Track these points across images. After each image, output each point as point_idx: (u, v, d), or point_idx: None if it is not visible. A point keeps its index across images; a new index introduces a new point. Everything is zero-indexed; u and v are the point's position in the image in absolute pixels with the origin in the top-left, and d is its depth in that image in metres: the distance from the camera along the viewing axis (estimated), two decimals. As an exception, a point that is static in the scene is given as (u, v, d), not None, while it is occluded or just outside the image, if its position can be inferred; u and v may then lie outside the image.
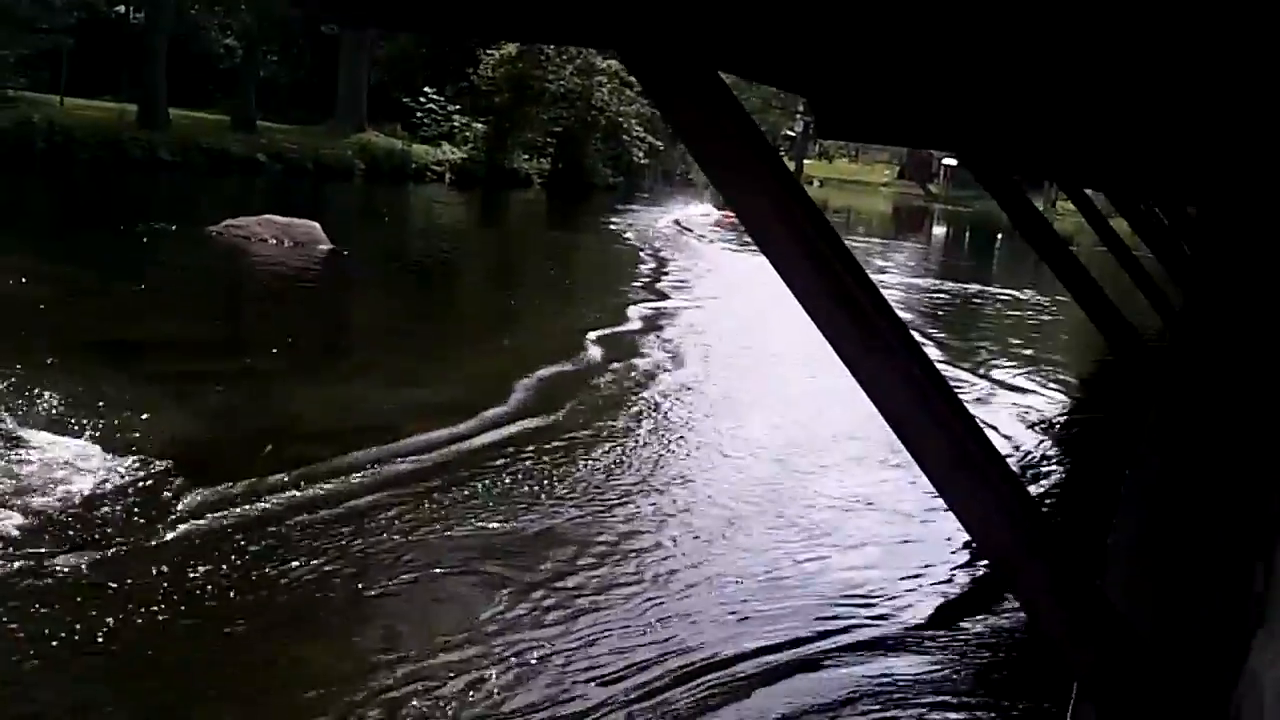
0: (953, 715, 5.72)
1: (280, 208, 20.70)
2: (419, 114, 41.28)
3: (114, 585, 5.95)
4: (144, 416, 8.62)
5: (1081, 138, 5.57)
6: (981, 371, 15.12)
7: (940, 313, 21.31)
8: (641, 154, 46.93)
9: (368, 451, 8.49)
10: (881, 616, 6.74)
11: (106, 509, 6.90)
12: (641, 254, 25.78)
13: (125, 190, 26.88)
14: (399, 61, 44.69)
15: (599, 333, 14.66)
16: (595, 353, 13.31)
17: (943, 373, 2.35)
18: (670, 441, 10.03)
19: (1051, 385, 15.09)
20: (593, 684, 5.46)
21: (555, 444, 9.40)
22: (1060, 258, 8.08)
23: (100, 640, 5.41)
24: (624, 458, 9.38)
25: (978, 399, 12.96)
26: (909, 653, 6.30)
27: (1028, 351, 17.70)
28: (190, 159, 31.43)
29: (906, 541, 8.13)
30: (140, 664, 5.35)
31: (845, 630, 6.47)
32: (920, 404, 2.22)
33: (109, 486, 7.22)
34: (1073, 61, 2.98)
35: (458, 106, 41.54)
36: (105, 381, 9.42)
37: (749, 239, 2.55)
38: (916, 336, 2.35)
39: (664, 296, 19.32)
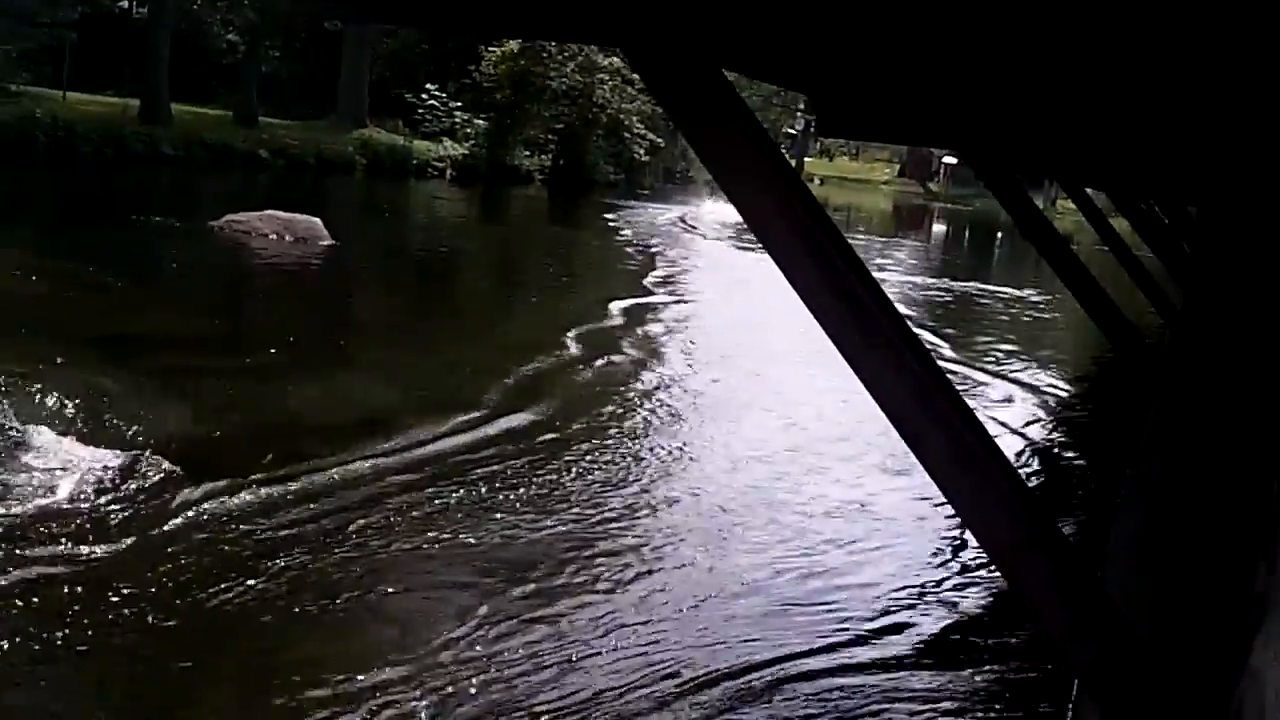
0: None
1: (282, 203, 20.68)
2: (420, 110, 41.29)
3: (107, 580, 5.95)
4: (142, 412, 8.63)
5: (1082, 137, 5.57)
6: (982, 368, 15.11)
7: (940, 310, 21.30)
8: (643, 151, 46.92)
9: (361, 448, 8.47)
10: (879, 632, 6.55)
11: (101, 505, 6.90)
12: (641, 251, 25.77)
13: (127, 185, 26.88)
14: (401, 57, 44.72)
15: (596, 329, 14.66)
16: (592, 350, 13.27)
17: (943, 369, 2.37)
18: (667, 442, 9.96)
19: (1051, 382, 15.08)
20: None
21: (548, 441, 9.35)
22: (1061, 256, 8.10)
23: (89, 636, 5.41)
24: (621, 456, 9.37)
25: (978, 395, 12.95)
26: (912, 669, 6.18)
27: (1027, 349, 17.69)
28: (192, 154, 31.43)
29: (907, 548, 8.01)
30: (122, 660, 5.35)
31: (845, 646, 6.31)
32: (921, 400, 2.23)
33: (104, 482, 7.22)
34: (1074, 61, 2.99)
35: (459, 103, 41.54)
36: (104, 376, 9.41)
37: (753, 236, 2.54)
38: (918, 333, 2.35)
39: (661, 293, 19.30)
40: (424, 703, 5.14)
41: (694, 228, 33.36)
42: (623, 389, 11.70)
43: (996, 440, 2.51)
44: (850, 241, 2.40)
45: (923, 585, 7.34)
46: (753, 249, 24.92)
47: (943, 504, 6.15)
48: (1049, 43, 2.73)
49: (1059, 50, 2.83)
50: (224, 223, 19.67)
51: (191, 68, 37.76)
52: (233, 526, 6.85)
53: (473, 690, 5.29)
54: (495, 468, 8.50)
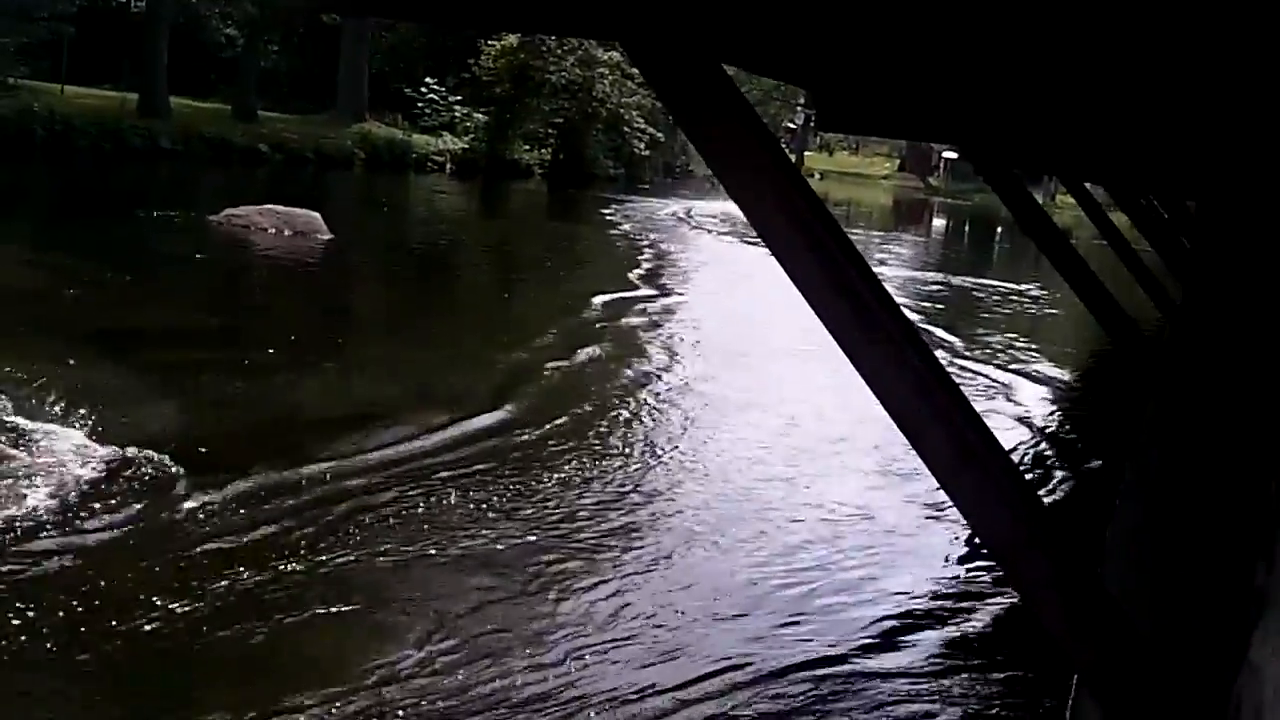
0: None
1: (281, 197, 20.70)
2: (420, 104, 41.27)
3: (101, 575, 5.95)
4: (140, 406, 8.64)
5: (1082, 132, 5.57)
6: (982, 364, 15.11)
7: (939, 305, 21.29)
8: (642, 146, 46.88)
9: (357, 442, 8.49)
10: (876, 644, 6.40)
11: (97, 499, 6.90)
12: (641, 246, 25.77)
13: (125, 179, 26.87)
14: (400, 51, 44.67)
15: (595, 327, 14.66)
16: (592, 347, 13.26)
17: (942, 365, 2.36)
18: (664, 444, 9.93)
19: (1051, 378, 15.10)
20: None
21: (545, 439, 9.33)
22: (1060, 251, 8.09)
23: (86, 630, 5.42)
24: (620, 452, 9.37)
25: (978, 392, 12.95)
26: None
27: (1027, 343, 17.71)
28: (191, 148, 31.41)
29: (908, 556, 7.89)
30: (121, 656, 5.35)
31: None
32: (922, 396, 2.23)
33: (98, 477, 7.23)
34: (1073, 56, 2.98)
35: (459, 97, 41.50)
36: (102, 370, 9.43)
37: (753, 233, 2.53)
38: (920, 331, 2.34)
39: (661, 289, 19.31)
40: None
41: (694, 222, 33.33)
42: (622, 388, 11.69)
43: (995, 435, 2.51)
44: (850, 236, 2.39)
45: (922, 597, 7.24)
46: (754, 244, 24.94)
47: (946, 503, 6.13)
48: (1049, 37, 2.72)
49: (1059, 45, 2.82)
50: (223, 217, 19.67)
51: (190, 62, 37.69)
52: (228, 521, 6.86)
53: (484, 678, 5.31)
54: (482, 467, 8.40)
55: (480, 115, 41.40)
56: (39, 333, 10.47)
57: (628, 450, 9.43)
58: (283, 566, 6.31)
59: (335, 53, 41.65)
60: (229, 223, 19.51)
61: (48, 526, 6.45)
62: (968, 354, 15.71)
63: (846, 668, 6.00)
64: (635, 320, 15.62)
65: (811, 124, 55.90)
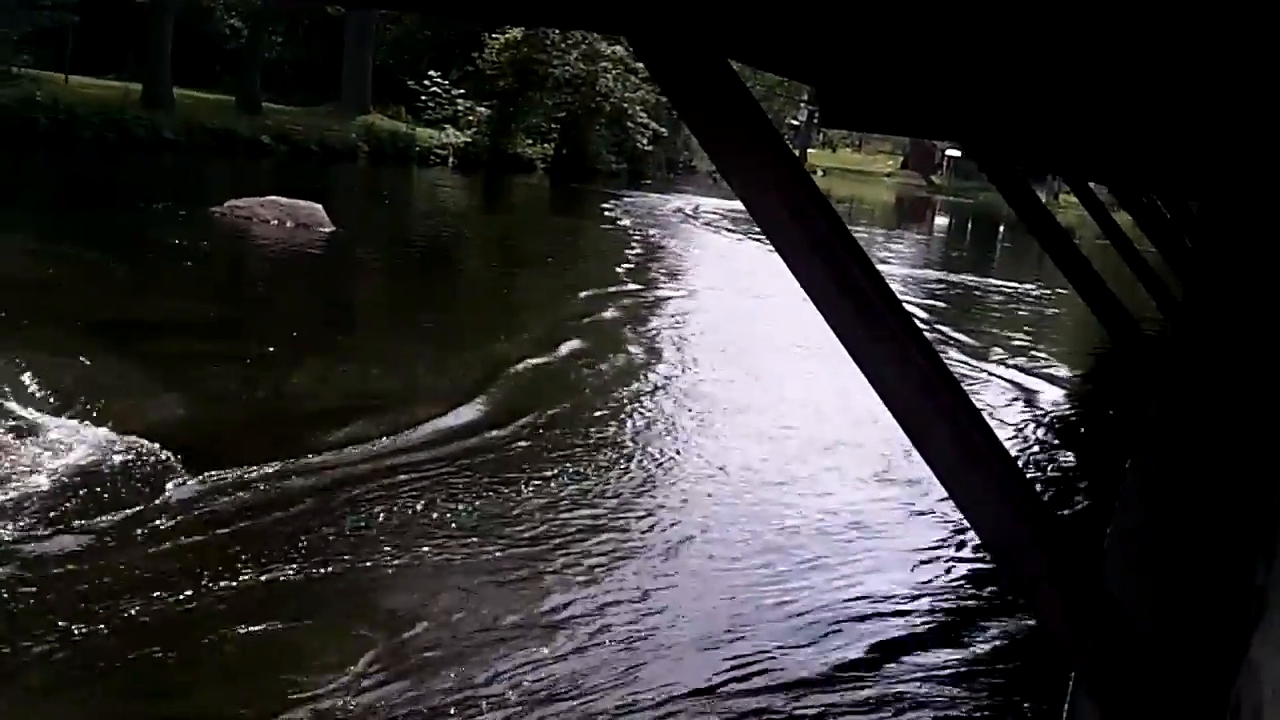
0: None
1: (284, 189, 20.69)
2: (423, 97, 41.28)
3: (96, 568, 5.95)
4: (140, 396, 8.65)
5: (1085, 131, 5.56)
6: (982, 362, 15.12)
7: (942, 304, 21.28)
8: (645, 141, 46.85)
9: (355, 435, 8.50)
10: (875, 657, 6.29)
11: (96, 491, 6.90)
12: (643, 241, 25.76)
13: (128, 170, 26.82)
14: (404, 44, 44.67)
15: (594, 325, 14.65)
16: (588, 346, 13.24)
17: (946, 364, 2.36)
18: (662, 445, 9.92)
19: (1052, 377, 15.10)
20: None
21: (547, 437, 9.32)
22: (1063, 250, 8.10)
23: (82, 620, 5.42)
24: (618, 451, 9.38)
25: (979, 390, 12.96)
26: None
27: (1029, 343, 17.71)
28: (195, 139, 31.40)
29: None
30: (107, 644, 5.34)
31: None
32: (925, 395, 2.23)
33: (98, 466, 7.23)
34: (1077, 55, 2.98)
35: (462, 90, 41.50)
36: (103, 361, 9.42)
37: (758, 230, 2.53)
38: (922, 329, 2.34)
39: (661, 286, 19.30)
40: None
41: (698, 219, 33.30)
42: (621, 386, 11.67)
43: (997, 434, 2.51)
44: (853, 234, 2.39)
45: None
46: (756, 240, 24.94)
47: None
48: (1053, 36, 2.72)
49: (1063, 44, 2.82)
50: (226, 208, 19.67)
51: (194, 52, 37.68)
52: (226, 513, 6.86)
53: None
54: (470, 463, 8.35)
55: (483, 109, 41.40)
56: (39, 323, 10.46)
57: (628, 450, 9.44)
58: (278, 562, 6.31)
59: (339, 45, 41.64)
60: (231, 214, 19.52)
61: (46, 516, 6.44)
62: (969, 353, 15.70)
63: (834, 678, 5.89)
64: (634, 317, 15.61)
65: (815, 120, 55.87)
